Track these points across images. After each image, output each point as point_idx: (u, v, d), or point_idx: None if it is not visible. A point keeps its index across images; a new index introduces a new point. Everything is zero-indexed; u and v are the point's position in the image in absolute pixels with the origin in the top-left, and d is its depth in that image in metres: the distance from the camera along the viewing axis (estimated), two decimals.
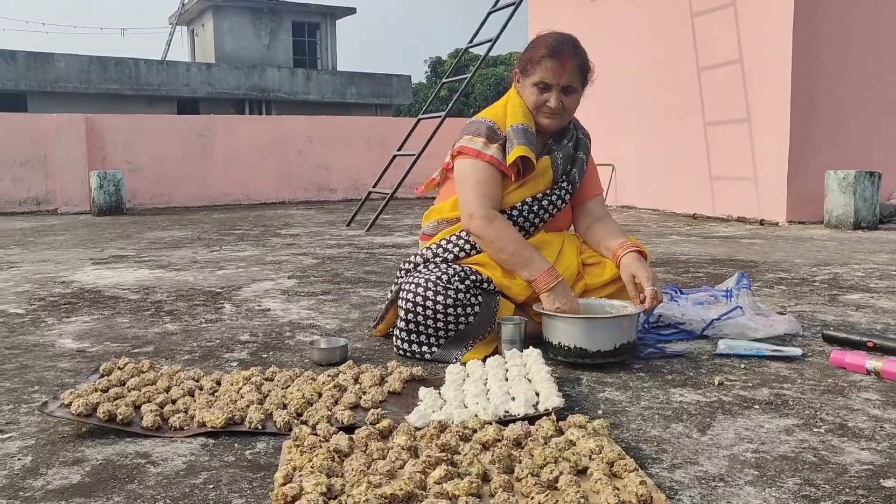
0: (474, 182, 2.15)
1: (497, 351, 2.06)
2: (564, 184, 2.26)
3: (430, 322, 2.03)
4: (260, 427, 1.53)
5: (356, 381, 1.82)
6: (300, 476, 1.24)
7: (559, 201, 2.25)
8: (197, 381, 1.81)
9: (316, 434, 1.44)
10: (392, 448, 1.35)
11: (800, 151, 5.94)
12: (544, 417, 1.50)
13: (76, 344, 2.31)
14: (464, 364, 1.94)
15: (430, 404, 1.62)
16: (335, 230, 5.98)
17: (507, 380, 1.79)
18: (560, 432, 1.46)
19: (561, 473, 1.23)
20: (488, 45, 6.13)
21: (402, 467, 1.29)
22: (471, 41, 6.59)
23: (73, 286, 3.38)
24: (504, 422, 1.54)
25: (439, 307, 2.01)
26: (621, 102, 7.94)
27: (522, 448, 1.38)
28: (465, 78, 6.36)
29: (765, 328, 2.26)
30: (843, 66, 6.06)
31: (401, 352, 2.10)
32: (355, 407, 1.66)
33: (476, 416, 1.54)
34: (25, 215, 8.00)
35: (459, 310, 2.02)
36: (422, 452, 1.34)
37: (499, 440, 1.40)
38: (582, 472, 1.29)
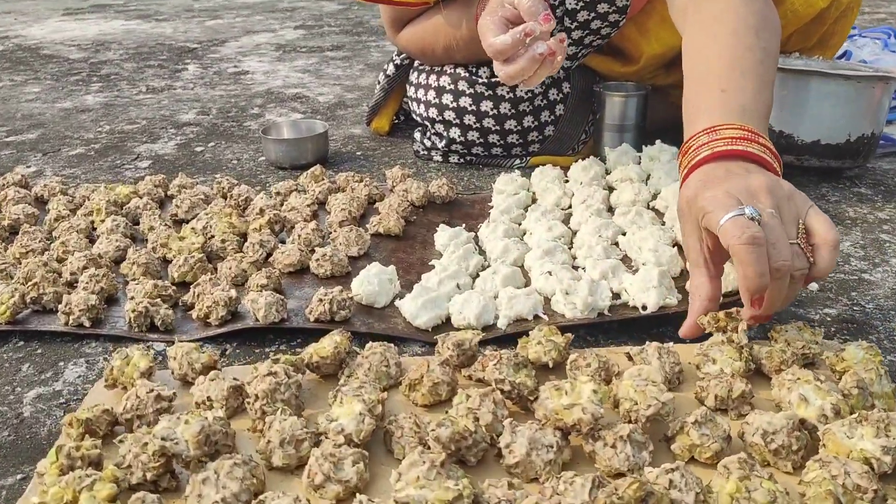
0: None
1: (595, 152, 1.13)
2: None
3: (489, 136, 1.11)
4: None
5: (324, 205, 0.96)
6: None
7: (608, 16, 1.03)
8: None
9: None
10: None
11: None
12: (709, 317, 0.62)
13: None
14: (528, 171, 1.04)
15: (451, 272, 0.76)
16: None
17: (612, 210, 0.90)
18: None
19: None
20: None
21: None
22: None
23: (10, 42, 2.53)
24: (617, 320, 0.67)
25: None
26: None
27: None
28: None
29: None
30: None
31: (423, 153, 1.20)
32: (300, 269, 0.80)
33: (546, 323, 0.68)
34: None
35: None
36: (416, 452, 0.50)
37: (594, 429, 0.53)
38: None
